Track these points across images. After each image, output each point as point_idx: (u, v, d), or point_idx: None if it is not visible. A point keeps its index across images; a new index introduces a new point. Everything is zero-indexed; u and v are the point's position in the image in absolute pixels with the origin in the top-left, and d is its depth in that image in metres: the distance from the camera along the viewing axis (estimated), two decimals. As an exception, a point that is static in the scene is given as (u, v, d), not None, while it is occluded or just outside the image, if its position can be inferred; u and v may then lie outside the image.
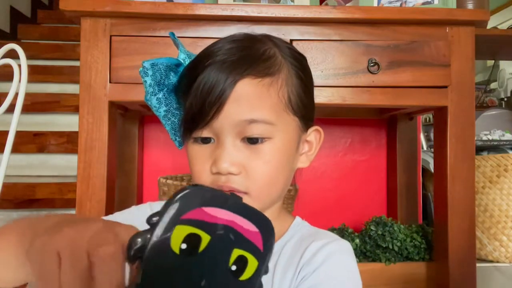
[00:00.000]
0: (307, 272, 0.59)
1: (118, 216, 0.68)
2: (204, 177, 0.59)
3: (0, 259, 0.43)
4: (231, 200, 0.35)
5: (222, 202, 0.34)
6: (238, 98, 0.57)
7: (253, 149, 0.58)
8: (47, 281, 0.33)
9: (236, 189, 0.58)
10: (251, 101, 0.57)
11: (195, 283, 0.32)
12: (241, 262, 0.33)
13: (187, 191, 0.34)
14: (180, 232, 0.32)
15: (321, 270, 0.59)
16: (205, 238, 0.32)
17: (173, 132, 0.64)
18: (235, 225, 0.33)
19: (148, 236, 0.33)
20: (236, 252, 0.33)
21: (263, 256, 0.34)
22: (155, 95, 0.61)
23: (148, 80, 0.60)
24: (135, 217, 0.60)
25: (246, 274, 0.33)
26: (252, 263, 0.33)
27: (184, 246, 0.32)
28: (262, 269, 0.34)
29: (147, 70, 0.59)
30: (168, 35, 0.62)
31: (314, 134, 0.66)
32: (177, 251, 0.32)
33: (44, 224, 0.37)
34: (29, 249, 0.35)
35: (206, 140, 0.59)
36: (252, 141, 0.58)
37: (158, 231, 0.32)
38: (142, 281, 0.31)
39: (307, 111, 0.63)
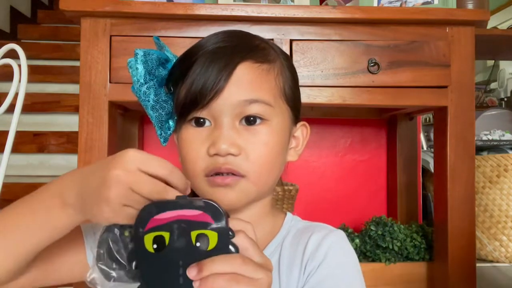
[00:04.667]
0: (313, 266, 0.60)
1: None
2: (200, 161, 0.59)
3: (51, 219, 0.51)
4: (173, 202, 0.45)
5: (166, 206, 0.44)
6: (238, 80, 0.58)
7: (251, 130, 0.59)
8: (136, 202, 0.45)
9: (235, 170, 0.58)
10: (252, 83, 0.59)
11: (175, 264, 0.43)
12: (202, 238, 0.43)
13: (140, 210, 0.45)
14: (148, 239, 0.44)
15: (326, 262, 0.60)
16: (166, 235, 0.44)
17: (159, 125, 0.63)
18: (182, 216, 0.44)
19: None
20: (194, 234, 0.43)
21: (217, 226, 0.44)
22: (145, 83, 0.61)
23: (140, 67, 0.60)
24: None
25: (212, 244, 0.43)
26: (212, 235, 0.43)
27: (155, 246, 0.44)
28: (224, 234, 0.44)
29: (140, 57, 0.60)
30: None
31: (301, 129, 0.68)
32: (152, 251, 0.44)
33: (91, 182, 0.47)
34: (105, 208, 0.45)
35: (201, 124, 0.60)
36: (250, 122, 0.59)
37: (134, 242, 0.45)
38: (143, 277, 0.45)
39: (296, 105, 0.66)
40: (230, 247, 0.44)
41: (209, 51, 0.59)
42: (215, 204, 0.44)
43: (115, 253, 0.46)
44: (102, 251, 0.47)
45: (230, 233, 0.44)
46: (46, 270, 0.57)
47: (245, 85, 0.59)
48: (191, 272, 0.42)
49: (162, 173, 0.46)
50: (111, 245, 0.46)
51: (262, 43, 0.63)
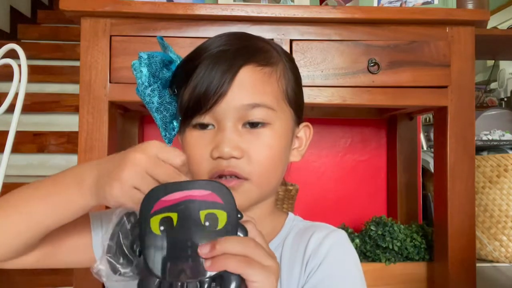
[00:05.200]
0: (314, 265, 0.60)
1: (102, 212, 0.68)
2: (204, 163, 0.59)
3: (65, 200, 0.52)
4: (180, 183, 0.44)
5: (173, 188, 0.44)
6: (241, 84, 0.58)
7: (254, 133, 0.59)
8: (146, 186, 0.45)
9: (238, 173, 0.58)
10: (254, 86, 0.59)
11: (183, 245, 0.43)
12: (211, 217, 0.43)
13: (147, 193, 0.45)
14: (155, 221, 0.43)
15: (327, 261, 0.60)
16: (174, 216, 0.43)
17: (164, 127, 0.64)
18: (191, 196, 0.43)
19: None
20: (203, 213, 0.43)
21: (226, 206, 0.44)
22: (149, 86, 0.61)
23: (145, 70, 0.60)
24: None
25: (221, 224, 0.43)
26: (221, 214, 0.43)
27: (162, 228, 0.43)
28: (233, 213, 0.44)
29: (144, 60, 0.60)
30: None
31: (304, 130, 0.68)
32: (158, 233, 0.43)
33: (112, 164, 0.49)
34: (123, 191, 0.46)
35: (205, 127, 0.60)
36: (253, 125, 0.59)
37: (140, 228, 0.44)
38: (148, 261, 0.43)
39: (299, 107, 0.66)
40: (239, 229, 0.44)
41: (213, 54, 0.59)
42: (222, 184, 0.44)
43: (124, 248, 0.46)
44: (112, 244, 0.47)
45: (238, 214, 0.44)
46: (48, 253, 0.59)
47: (248, 88, 0.59)
48: (203, 250, 0.42)
49: (176, 162, 0.48)
50: (121, 239, 0.46)
51: (265, 46, 0.64)
